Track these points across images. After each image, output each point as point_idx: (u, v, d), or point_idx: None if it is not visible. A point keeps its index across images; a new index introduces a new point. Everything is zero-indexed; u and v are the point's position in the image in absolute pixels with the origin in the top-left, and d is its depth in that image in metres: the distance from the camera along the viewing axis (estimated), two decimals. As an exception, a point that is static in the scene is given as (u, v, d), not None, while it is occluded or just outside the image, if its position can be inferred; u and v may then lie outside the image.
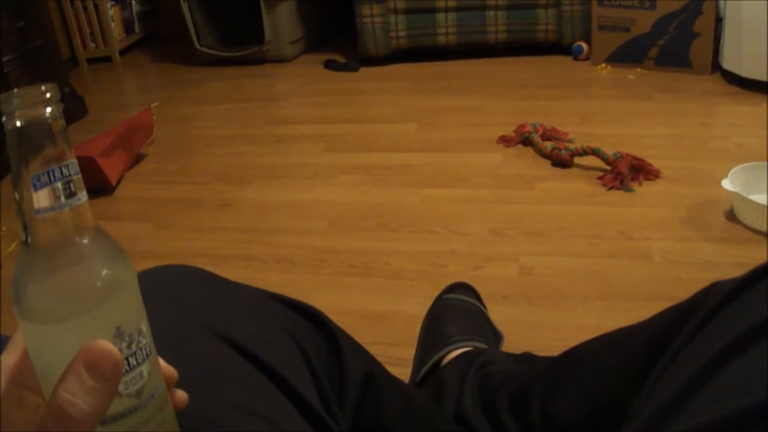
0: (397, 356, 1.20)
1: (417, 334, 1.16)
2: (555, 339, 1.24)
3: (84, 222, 0.37)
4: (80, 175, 0.36)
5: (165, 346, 0.54)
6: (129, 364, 0.38)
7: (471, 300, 1.21)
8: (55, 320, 0.36)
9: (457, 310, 1.17)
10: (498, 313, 1.25)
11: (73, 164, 0.36)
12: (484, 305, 1.23)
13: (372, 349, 0.75)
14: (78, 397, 0.34)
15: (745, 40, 2.19)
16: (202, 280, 0.62)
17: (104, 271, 0.37)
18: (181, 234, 1.77)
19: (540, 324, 1.29)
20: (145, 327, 0.39)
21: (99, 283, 0.37)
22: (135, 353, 0.38)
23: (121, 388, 0.37)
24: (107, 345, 0.35)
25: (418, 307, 1.26)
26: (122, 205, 1.97)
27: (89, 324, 0.36)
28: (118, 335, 0.37)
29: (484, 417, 0.83)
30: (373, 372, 0.69)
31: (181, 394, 0.44)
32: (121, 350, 0.37)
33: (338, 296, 1.44)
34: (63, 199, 0.36)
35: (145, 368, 0.39)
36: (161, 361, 0.42)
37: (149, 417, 0.39)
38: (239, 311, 0.61)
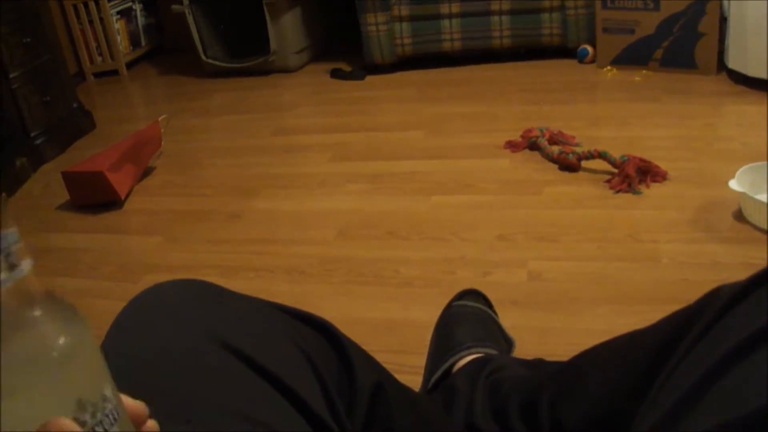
0: (408, 364, 1.20)
1: (427, 342, 1.17)
2: (565, 344, 1.24)
3: (31, 291, 0.34)
4: (21, 243, 0.34)
5: (173, 359, 0.55)
6: None
7: (481, 306, 1.21)
8: (7, 395, 0.33)
9: (467, 317, 1.17)
10: (508, 319, 1.25)
11: (11, 234, 0.33)
12: (494, 312, 1.23)
13: (382, 357, 0.76)
14: None
15: (750, 39, 2.19)
16: (209, 294, 0.63)
17: (58, 340, 0.35)
18: (191, 246, 1.78)
19: (550, 329, 1.29)
20: (109, 391, 0.37)
21: (55, 354, 0.34)
22: (101, 421, 0.36)
23: None
24: (65, 422, 0.33)
25: (428, 314, 1.26)
26: (131, 218, 1.98)
27: (45, 397, 0.34)
28: (80, 407, 0.35)
29: (494, 423, 0.83)
30: (383, 382, 0.69)
31: (152, 425, 0.42)
32: (84, 422, 0.34)
33: (348, 305, 1.45)
34: (4, 274, 0.33)
35: None
36: (129, 401, 0.40)
37: None
38: (247, 324, 0.61)
